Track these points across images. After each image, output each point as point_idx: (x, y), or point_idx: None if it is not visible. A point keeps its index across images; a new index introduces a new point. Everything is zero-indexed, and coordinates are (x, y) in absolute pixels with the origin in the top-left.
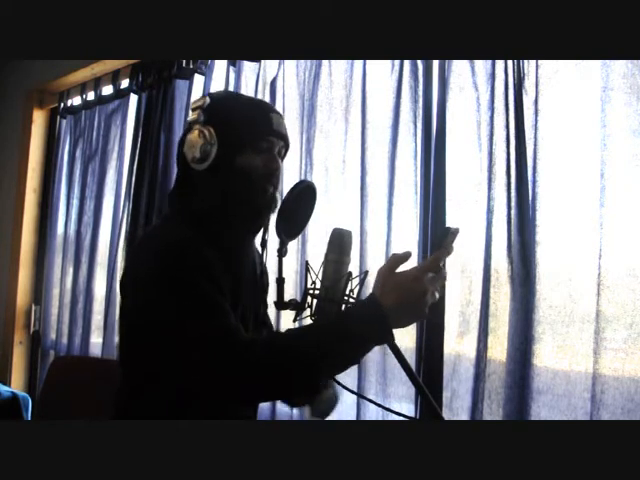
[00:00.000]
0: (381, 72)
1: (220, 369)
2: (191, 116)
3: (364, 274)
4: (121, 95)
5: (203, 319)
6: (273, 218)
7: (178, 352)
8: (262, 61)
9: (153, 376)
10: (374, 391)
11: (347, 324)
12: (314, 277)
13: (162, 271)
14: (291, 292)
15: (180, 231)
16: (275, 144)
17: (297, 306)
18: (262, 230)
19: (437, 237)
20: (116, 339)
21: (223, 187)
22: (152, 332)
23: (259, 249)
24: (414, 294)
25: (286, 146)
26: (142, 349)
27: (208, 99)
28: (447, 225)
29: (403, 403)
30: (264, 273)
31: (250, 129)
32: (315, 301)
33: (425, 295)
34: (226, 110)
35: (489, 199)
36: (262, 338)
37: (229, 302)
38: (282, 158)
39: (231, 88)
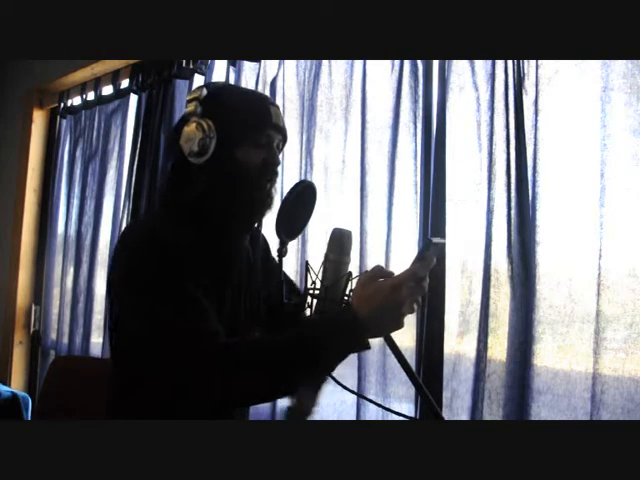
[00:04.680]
0: (381, 72)
1: (189, 372)
2: (188, 108)
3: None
4: (121, 95)
5: (177, 319)
6: (271, 217)
7: (150, 351)
8: (262, 61)
9: (139, 374)
10: (374, 391)
11: (317, 333)
12: (314, 277)
13: (142, 267)
14: None
15: (165, 226)
16: (274, 138)
17: (297, 306)
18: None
19: (420, 248)
20: None
21: (221, 181)
22: (131, 330)
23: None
24: (390, 304)
25: (284, 139)
26: (125, 346)
27: (205, 90)
28: (430, 237)
29: (403, 403)
30: (267, 267)
31: (249, 122)
32: (315, 301)
33: (402, 306)
34: (224, 102)
35: (489, 199)
36: (233, 343)
37: (214, 300)
38: (279, 151)
39: None
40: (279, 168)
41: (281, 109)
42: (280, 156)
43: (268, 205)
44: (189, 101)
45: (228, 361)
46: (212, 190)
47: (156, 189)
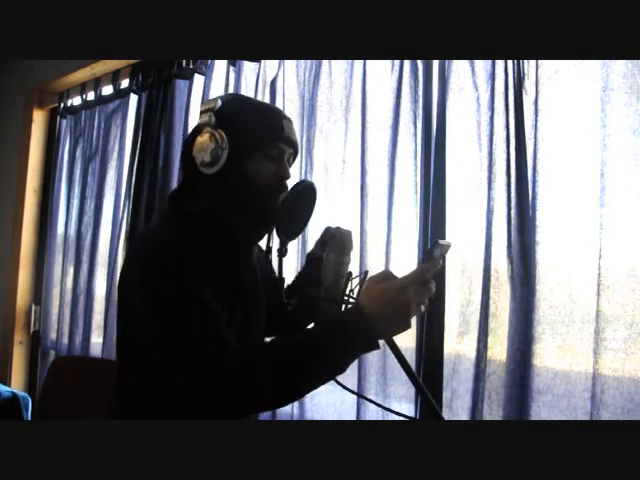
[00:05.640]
0: (381, 72)
1: (200, 379)
2: (201, 118)
3: (364, 274)
4: (121, 95)
5: (188, 327)
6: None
7: (161, 359)
8: (262, 61)
9: (147, 378)
10: (374, 391)
11: (330, 335)
12: None
13: (155, 275)
14: None
15: (177, 233)
16: (285, 151)
17: (297, 306)
18: (267, 236)
19: (427, 249)
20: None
21: (232, 193)
22: (141, 335)
23: (261, 254)
24: (398, 304)
25: (295, 153)
26: (135, 351)
27: (219, 102)
28: (437, 239)
29: (403, 403)
30: (271, 277)
31: (262, 135)
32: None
33: (409, 306)
34: (238, 114)
35: (489, 199)
36: (246, 349)
37: (226, 307)
38: (290, 165)
39: (231, 88)
40: (289, 181)
41: (281, 109)
42: (290, 170)
43: (277, 218)
44: (203, 112)
45: (241, 368)
46: (222, 201)
47: (168, 196)
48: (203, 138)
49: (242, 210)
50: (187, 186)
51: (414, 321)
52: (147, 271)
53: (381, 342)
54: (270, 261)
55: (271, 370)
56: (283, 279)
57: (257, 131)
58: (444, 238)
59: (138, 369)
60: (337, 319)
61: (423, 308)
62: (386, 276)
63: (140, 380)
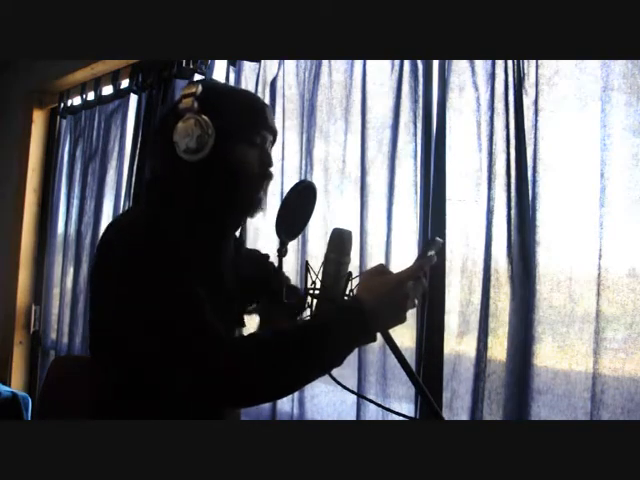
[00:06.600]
0: (381, 72)
1: (190, 369)
2: (183, 103)
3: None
4: (121, 95)
5: (176, 314)
6: (271, 217)
7: (148, 349)
8: (262, 61)
9: (131, 373)
10: (374, 391)
11: (327, 326)
12: (314, 277)
13: (137, 262)
14: None
15: (159, 220)
16: (267, 138)
17: (296, 307)
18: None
19: (423, 247)
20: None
21: (218, 180)
22: (124, 327)
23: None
24: (396, 298)
25: (274, 140)
26: (117, 344)
27: (200, 87)
28: (434, 237)
29: (403, 403)
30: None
31: (246, 122)
32: (315, 301)
33: (406, 300)
34: (222, 101)
35: (489, 199)
36: (240, 337)
37: (207, 295)
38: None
39: None
40: (273, 169)
41: (281, 109)
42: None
43: (261, 206)
44: (184, 96)
45: (238, 361)
46: (208, 188)
47: (144, 183)
48: (187, 123)
49: (228, 197)
50: (167, 173)
51: (413, 320)
52: (132, 263)
53: (381, 342)
54: (242, 243)
55: (267, 364)
56: (287, 279)
57: (242, 118)
58: (443, 238)
59: (126, 365)
60: (335, 311)
61: (417, 302)
62: (382, 270)
63: (129, 376)
